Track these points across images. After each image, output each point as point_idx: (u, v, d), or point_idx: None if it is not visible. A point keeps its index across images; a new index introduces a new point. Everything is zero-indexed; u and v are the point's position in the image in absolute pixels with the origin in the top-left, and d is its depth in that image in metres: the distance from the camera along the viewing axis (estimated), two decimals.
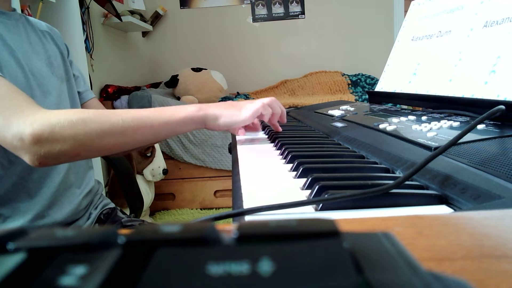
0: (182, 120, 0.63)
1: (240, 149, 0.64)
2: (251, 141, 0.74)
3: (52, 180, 0.75)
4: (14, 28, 0.73)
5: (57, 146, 0.56)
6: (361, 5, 2.88)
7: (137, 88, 2.34)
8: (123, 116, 0.60)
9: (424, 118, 0.65)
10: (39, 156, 0.56)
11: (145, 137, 0.62)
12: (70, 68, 0.86)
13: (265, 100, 0.69)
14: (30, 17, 0.81)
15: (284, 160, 0.54)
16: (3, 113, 0.56)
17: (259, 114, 0.66)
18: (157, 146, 1.98)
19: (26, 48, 0.74)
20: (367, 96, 1.28)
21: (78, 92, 0.89)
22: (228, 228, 0.14)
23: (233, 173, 0.50)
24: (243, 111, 0.65)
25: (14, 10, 0.77)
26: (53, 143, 0.56)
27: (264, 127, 0.87)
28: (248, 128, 0.79)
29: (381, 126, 0.61)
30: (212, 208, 2.23)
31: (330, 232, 0.12)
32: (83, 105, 0.90)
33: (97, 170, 1.63)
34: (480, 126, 0.51)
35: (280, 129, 0.76)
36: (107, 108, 2.09)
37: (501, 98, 0.57)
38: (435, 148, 0.44)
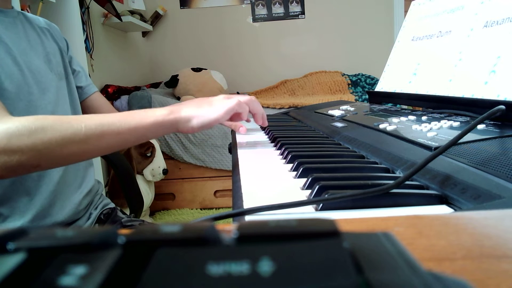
0: (151, 125, 0.59)
1: (240, 149, 0.64)
2: (252, 143, 0.74)
3: (51, 178, 0.75)
4: (12, 25, 0.73)
5: (15, 157, 0.53)
6: (361, 5, 2.88)
7: (137, 88, 2.34)
8: (86, 122, 0.56)
9: (424, 118, 0.65)
10: None
11: (110, 145, 0.58)
12: (69, 64, 0.86)
13: (242, 98, 0.66)
14: (28, 14, 0.81)
15: (284, 160, 0.54)
16: None
17: (234, 112, 0.63)
18: (157, 146, 1.98)
19: (23, 46, 0.73)
20: (367, 96, 1.28)
21: (80, 87, 0.88)
22: (228, 228, 0.14)
23: (233, 173, 0.50)
24: (215, 108, 0.61)
25: (12, 8, 0.77)
26: (10, 154, 0.52)
27: (264, 127, 0.87)
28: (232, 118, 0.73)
29: (381, 126, 0.61)
30: (212, 208, 2.23)
31: (330, 232, 0.12)
32: (86, 100, 0.90)
33: (97, 170, 1.63)
34: (480, 126, 0.51)
35: (266, 123, 0.72)
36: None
37: (501, 98, 0.57)
38: (435, 148, 0.44)
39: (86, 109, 0.91)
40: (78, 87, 0.89)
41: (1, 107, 0.59)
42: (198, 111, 0.61)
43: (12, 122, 0.54)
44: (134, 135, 0.59)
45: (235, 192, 0.39)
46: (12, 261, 0.10)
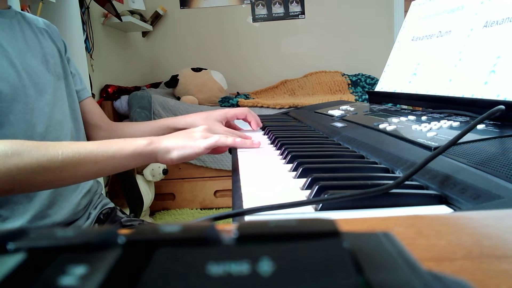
0: (130, 155, 0.59)
1: (240, 149, 0.64)
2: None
3: None
4: (8, 26, 0.73)
5: None
6: (361, 5, 2.88)
7: (137, 88, 2.34)
8: (63, 150, 0.55)
9: (424, 118, 0.65)
10: None
11: (87, 173, 0.57)
12: (67, 65, 0.86)
13: (223, 131, 0.67)
14: (27, 14, 0.81)
15: (284, 160, 0.54)
16: None
17: (216, 147, 0.63)
18: None
19: (20, 47, 0.73)
20: (367, 96, 1.28)
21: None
22: (228, 228, 0.14)
23: (233, 173, 0.50)
24: (196, 142, 0.62)
25: (9, 7, 0.76)
26: None
27: (264, 127, 0.87)
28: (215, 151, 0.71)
29: (381, 126, 0.61)
30: (212, 208, 2.23)
31: (330, 232, 0.12)
32: (79, 104, 0.90)
33: None
34: (480, 126, 0.51)
35: (249, 143, 0.67)
36: (107, 108, 2.10)
37: (501, 98, 0.57)
38: (435, 148, 0.44)
39: None
40: None
41: None
42: (178, 143, 0.61)
43: None
44: (111, 164, 0.58)
45: (235, 192, 0.39)
46: (12, 261, 0.10)
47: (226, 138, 0.63)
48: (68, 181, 0.58)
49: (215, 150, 0.68)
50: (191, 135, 0.64)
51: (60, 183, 0.58)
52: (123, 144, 0.59)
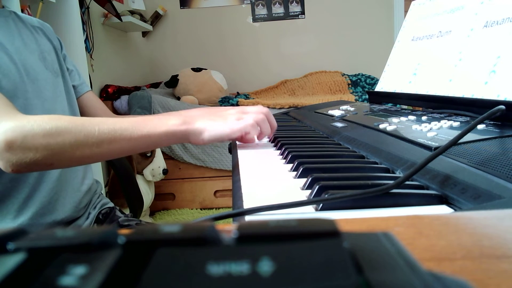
0: (163, 134, 0.59)
1: (240, 149, 0.64)
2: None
3: (51, 176, 0.75)
4: (4, 25, 0.73)
5: (29, 155, 0.54)
6: (361, 5, 2.88)
7: (137, 88, 2.34)
8: (100, 126, 0.57)
9: (424, 118, 0.65)
10: (11, 163, 0.55)
11: (122, 150, 0.59)
12: (64, 62, 0.86)
13: (258, 117, 0.63)
14: (21, 14, 0.81)
15: (284, 160, 0.54)
16: None
17: (247, 131, 0.61)
18: None
19: (18, 44, 0.73)
20: (367, 96, 1.28)
21: (73, 86, 0.88)
22: (228, 228, 0.14)
23: (233, 173, 0.50)
24: (229, 124, 0.60)
25: (3, 7, 0.77)
26: (25, 151, 0.54)
27: None
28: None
29: (381, 126, 0.61)
30: (212, 208, 2.23)
31: (330, 232, 0.12)
32: (79, 99, 0.90)
33: (97, 169, 1.63)
34: (480, 126, 0.51)
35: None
36: (107, 108, 2.10)
37: (501, 98, 0.57)
38: (435, 148, 0.44)
39: (79, 108, 0.90)
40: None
41: (11, 106, 0.59)
42: (211, 124, 0.60)
43: (27, 120, 0.56)
44: (145, 142, 0.59)
45: (235, 192, 0.39)
46: (12, 261, 0.10)
47: (252, 129, 0.62)
48: (104, 156, 0.59)
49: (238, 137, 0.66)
50: (225, 116, 0.62)
51: (97, 158, 0.59)
52: (156, 122, 0.60)
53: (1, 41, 0.69)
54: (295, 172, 0.45)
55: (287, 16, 2.89)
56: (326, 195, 0.33)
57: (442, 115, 0.66)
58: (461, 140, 0.42)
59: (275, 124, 0.68)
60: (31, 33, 0.79)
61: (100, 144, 0.57)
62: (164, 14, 2.90)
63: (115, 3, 2.10)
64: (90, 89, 0.94)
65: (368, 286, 0.10)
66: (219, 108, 0.66)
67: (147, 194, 1.94)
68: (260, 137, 0.66)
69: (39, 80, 0.75)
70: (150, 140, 0.59)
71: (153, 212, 2.20)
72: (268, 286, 0.09)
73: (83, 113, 0.91)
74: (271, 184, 0.42)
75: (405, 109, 0.84)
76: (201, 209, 2.24)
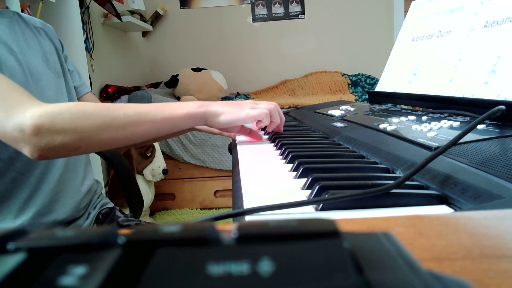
0: (184, 116, 0.63)
1: (240, 149, 0.64)
2: (252, 143, 0.74)
3: (52, 175, 0.75)
4: (9, 25, 0.73)
5: (58, 138, 0.55)
6: (361, 5, 2.88)
7: (137, 88, 2.34)
8: (125, 110, 0.60)
9: (424, 118, 0.65)
10: (39, 148, 0.55)
11: (146, 132, 0.61)
12: (65, 63, 0.87)
13: (270, 106, 0.69)
14: (23, 14, 0.81)
15: (284, 160, 0.54)
16: (2, 105, 0.56)
17: (259, 120, 0.67)
18: (157, 146, 1.98)
19: (22, 45, 0.74)
20: (367, 96, 1.28)
21: (74, 87, 0.89)
22: (228, 228, 0.14)
23: (233, 173, 0.50)
24: (245, 111, 0.65)
25: (7, 8, 0.77)
26: (54, 134, 0.55)
27: (265, 127, 0.87)
28: (250, 134, 0.78)
29: (381, 126, 0.61)
30: (212, 208, 2.23)
31: (330, 232, 0.12)
32: (79, 100, 0.90)
33: (96, 169, 1.63)
34: (480, 126, 0.51)
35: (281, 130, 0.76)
36: None
37: (501, 98, 0.57)
38: (435, 148, 0.44)
39: None
40: None
41: (33, 96, 0.60)
42: (228, 109, 0.65)
43: (53, 106, 0.57)
44: (167, 125, 0.62)
45: (235, 192, 0.39)
46: (12, 261, 0.10)
47: (265, 118, 0.67)
48: (129, 139, 0.61)
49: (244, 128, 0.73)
50: (241, 104, 0.67)
51: (122, 141, 0.61)
52: (176, 106, 0.63)
53: (7, 42, 0.69)
54: (295, 172, 0.45)
55: (287, 16, 2.89)
56: (326, 195, 0.33)
57: (442, 115, 0.66)
58: (461, 140, 0.42)
59: (283, 116, 0.73)
60: (34, 34, 0.79)
61: (126, 126, 0.59)
62: (164, 14, 2.90)
63: (115, 3, 2.10)
64: (90, 90, 0.94)
65: (368, 286, 0.10)
66: (234, 101, 0.71)
67: (147, 194, 1.93)
68: (270, 127, 0.71)
69: (42, 81, 0.75)
70: (171, 122, 0.62)
71: (153, 212, 2.20)
72: (268, 286, 0.09)
73: None
74: (271, 184, 0.42)
75: (405, 109, 0.84)
76: (201, 209, 2.24)
